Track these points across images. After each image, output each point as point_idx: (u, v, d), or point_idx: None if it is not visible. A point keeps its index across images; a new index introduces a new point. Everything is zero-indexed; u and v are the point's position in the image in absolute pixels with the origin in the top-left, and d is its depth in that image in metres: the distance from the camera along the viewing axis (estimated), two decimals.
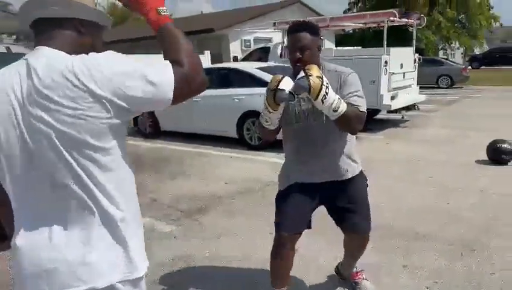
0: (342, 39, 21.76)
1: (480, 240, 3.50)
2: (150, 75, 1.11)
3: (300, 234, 2.39)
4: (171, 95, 1.14)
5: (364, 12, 9.39)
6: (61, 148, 1.08)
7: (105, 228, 1.15)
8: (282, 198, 2.42)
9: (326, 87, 1.95)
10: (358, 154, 2.42)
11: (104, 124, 1.09)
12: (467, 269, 3.05)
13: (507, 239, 3.49)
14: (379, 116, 9.74)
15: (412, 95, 9.51)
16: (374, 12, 9.18)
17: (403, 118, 9.41)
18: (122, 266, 1.17)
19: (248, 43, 18.21)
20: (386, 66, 8.17)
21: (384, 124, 9.30)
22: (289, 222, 2.34)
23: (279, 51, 10.35)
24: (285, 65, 7.84)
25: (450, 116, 10.44)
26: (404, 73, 8.96)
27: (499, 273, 2.97)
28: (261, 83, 6.63)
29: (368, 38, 20.77)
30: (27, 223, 1.15)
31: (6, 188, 1.17)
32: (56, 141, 1.08)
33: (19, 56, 3.81)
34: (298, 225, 2.37)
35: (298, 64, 2.13)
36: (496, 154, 5.70)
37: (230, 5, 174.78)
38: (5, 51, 3.89)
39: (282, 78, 1.98)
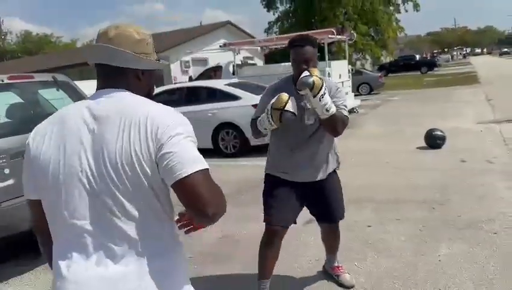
0: (270, 56, 23.25)
1: (443, 198, 4.71)
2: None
3: (288, 228, 2.63)
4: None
5: (307, 32, 10.68)
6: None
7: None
8: (271, 193, 2.62)
9: (325, 88, 2.25)
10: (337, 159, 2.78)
11: None
12: (441, 215, 4.21)
13: (461, 195, 4.74)
14: None
15: (350, 100, 10.96)
16: (317, 31, 10.56)
17: None
18: None
19: (187, 64, 18.98)
20: (329, 77, 9.47)
21: None
22: (280, 216, 2.55)
23: (231, 69, 11.31)
24: (247, 82, 8.84)
25: (381, 116, 12.10)
26: (342, 82, 10.36)
27: (463, 215, 4.16)
28: (230, 97, 7.68)
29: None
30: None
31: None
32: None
33: (63, 84, 4.39)
34: (288, 219, 2.60)
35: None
36: (432, 141, 7.13)
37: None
38: (52, 79, 4.32)
39: (288, 99, 2.21)
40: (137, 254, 1.19)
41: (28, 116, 4.28)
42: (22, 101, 4.49)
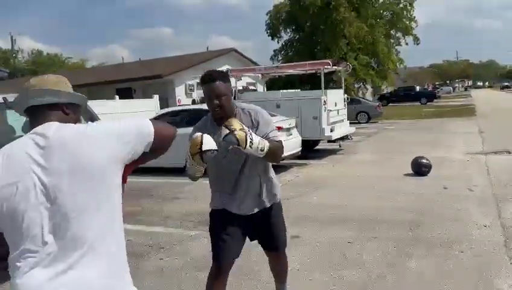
0: (271, 83, 23.96)
1: (419, 220, 5.08)
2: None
3: (234, 261, 2.65)
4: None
5: (304, 62, 11.30)
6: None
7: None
8: (218, 229, 2.62)
9: (250, 134, 2.20)
10: (278, 186, 2.79)
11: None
12: (415, 235, 4.57)
13: (437, 218, 5.11)
14: (320, 146, 11.50)
15: (345, 127, 11.41)
16: (313, 62, 11.14)
17: (340, 146, 11.24)
18: None
19: (192, 87, 19.68)
20: (325, 104, 9.94)
21: (326, 152, 11.06)
22: (228, 253, 2.58)
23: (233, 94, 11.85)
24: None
25: (375, 144, 12.55)
26: (338, 110, 10.82)
27: (436, 235, 4.53)
28: None
29: (294, 81, 23.15)
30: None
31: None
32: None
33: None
34: (235, 253, 2.63)
35: (217, 109, 2.35)
36: (418, 168, 7.53)
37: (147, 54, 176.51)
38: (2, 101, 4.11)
39: (202, 139, 2.02)
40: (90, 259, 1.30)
41: None
42: None
